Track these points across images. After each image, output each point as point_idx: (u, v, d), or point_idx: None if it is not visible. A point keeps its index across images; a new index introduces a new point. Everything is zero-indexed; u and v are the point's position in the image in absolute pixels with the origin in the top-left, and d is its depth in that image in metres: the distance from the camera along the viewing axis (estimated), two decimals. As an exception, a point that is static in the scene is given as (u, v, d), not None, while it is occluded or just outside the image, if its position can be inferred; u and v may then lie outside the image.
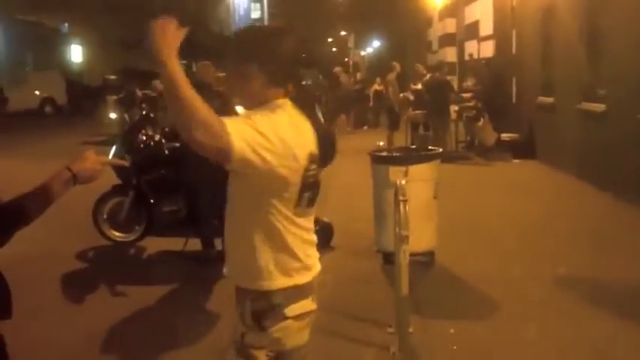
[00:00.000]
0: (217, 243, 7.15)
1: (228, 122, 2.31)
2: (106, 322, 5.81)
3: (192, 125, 2.21)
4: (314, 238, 2.75)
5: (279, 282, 2.59)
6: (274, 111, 2.52)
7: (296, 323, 2.64)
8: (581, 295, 6.19)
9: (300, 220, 2.62)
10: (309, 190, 2.59)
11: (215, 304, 6.08)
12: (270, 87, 2.56)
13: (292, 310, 2.61)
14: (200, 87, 2.29)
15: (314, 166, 2.57)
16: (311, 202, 2.64)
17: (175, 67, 2.22)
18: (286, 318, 2.60)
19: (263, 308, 2.59)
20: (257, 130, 2.36)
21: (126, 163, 2.61)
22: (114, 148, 7.84)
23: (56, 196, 2.44)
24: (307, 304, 2.67)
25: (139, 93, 18.41)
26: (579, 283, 6.51)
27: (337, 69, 24.75)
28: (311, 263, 2.70)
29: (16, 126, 23.36)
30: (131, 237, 7.94)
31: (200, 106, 2.22)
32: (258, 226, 2.57)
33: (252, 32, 2.79)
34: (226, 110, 7.24)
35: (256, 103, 2.56)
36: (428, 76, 17.75)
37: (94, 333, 5.58)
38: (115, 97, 21.00)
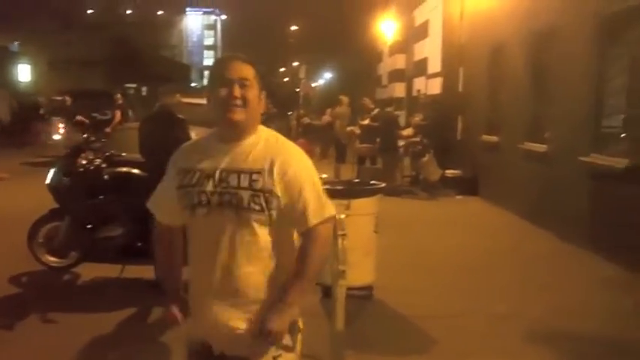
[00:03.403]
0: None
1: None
2: (37, 350, 5.65)
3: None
4: None
5: None
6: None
7: None
8: (519, 332, 6.21)
9: None
10: None
11: (150, 334, 5.96)
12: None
13: None
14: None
15: None
16: None
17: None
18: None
19: None
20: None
21: (6, 176, 2.46)
22: (52, 170, 7.68)
23: None
24: None
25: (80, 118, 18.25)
26: (518, 319, 6.54)
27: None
28: None
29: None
30: (66, 262, 7.75)
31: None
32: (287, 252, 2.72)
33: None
34: (186, 138, 7.26)
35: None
36: (376, 110, 17.91)
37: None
38: (59, 119, 20.72)
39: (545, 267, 8.67)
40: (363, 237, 6.52)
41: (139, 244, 7.30)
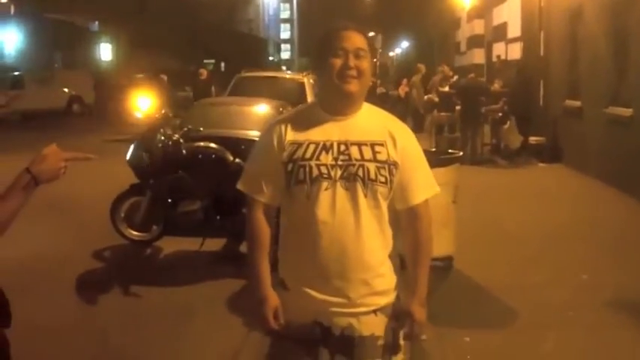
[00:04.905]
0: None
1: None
2: (120, 323, 5.78)
3: None
4: None
5: None
6: None
7: None
8: (603, 303, 6.04)
9: None
10: None
11: (229, 308, 6.03)
12: None
13: None
14: None
15: None
16: None
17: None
18: None
19: None
20: None
21: (92, 156, 2.46)
22: (132, 147, 7.81)
23: (19, 203, 2.28)
24: None
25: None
26: (602, 291, 6.34)
27: None
28: None
29: (41, 124, 23.51)
30: (148, 236, 7.89)
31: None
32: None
33: None
34: None
35: None
36: (455, 77, 17.57)
37: (106, 334, 5.56)
38: (143, 96, 21.12)
39: (629, 235, 8.38)
40: (440, 207, 6.37)
41: (218, 217, 7.38)
